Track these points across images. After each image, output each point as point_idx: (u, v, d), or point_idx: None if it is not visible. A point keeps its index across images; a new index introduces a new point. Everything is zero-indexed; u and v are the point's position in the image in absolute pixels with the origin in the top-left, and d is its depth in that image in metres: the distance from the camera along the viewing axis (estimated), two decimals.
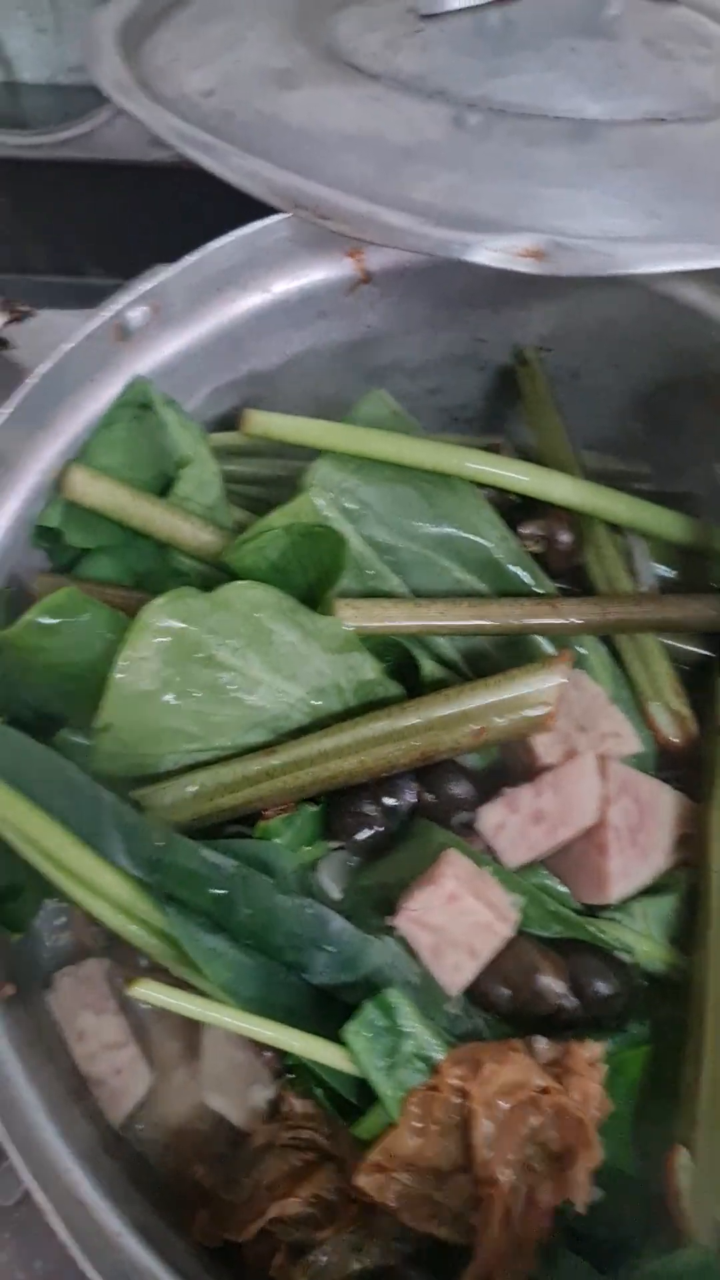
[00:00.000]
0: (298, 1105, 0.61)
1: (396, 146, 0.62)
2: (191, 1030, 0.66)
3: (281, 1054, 0.61)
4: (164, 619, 0.59)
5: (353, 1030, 0.55)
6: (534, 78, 0.65)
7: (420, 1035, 0.56)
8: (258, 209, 0.63)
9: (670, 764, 0.70)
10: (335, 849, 0.65)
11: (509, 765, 0.68)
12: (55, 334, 0.60)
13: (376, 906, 0.62)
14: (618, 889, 0.63)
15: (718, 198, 0.60)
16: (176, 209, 0.93)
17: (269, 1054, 0.63)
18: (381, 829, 0.65)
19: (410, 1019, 0.56)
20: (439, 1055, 0.56)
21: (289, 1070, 0.62)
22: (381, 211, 0.59)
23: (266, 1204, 0.59)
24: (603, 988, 0.61)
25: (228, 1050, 0.64)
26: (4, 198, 1.05)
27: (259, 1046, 0.63)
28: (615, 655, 0.71)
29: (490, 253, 0.56)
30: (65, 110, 1.08)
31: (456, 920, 0.59)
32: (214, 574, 0.67)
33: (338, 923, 0.58)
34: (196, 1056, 0.66)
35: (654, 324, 0.71)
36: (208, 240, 0.65)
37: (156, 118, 0.66)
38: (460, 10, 0.67)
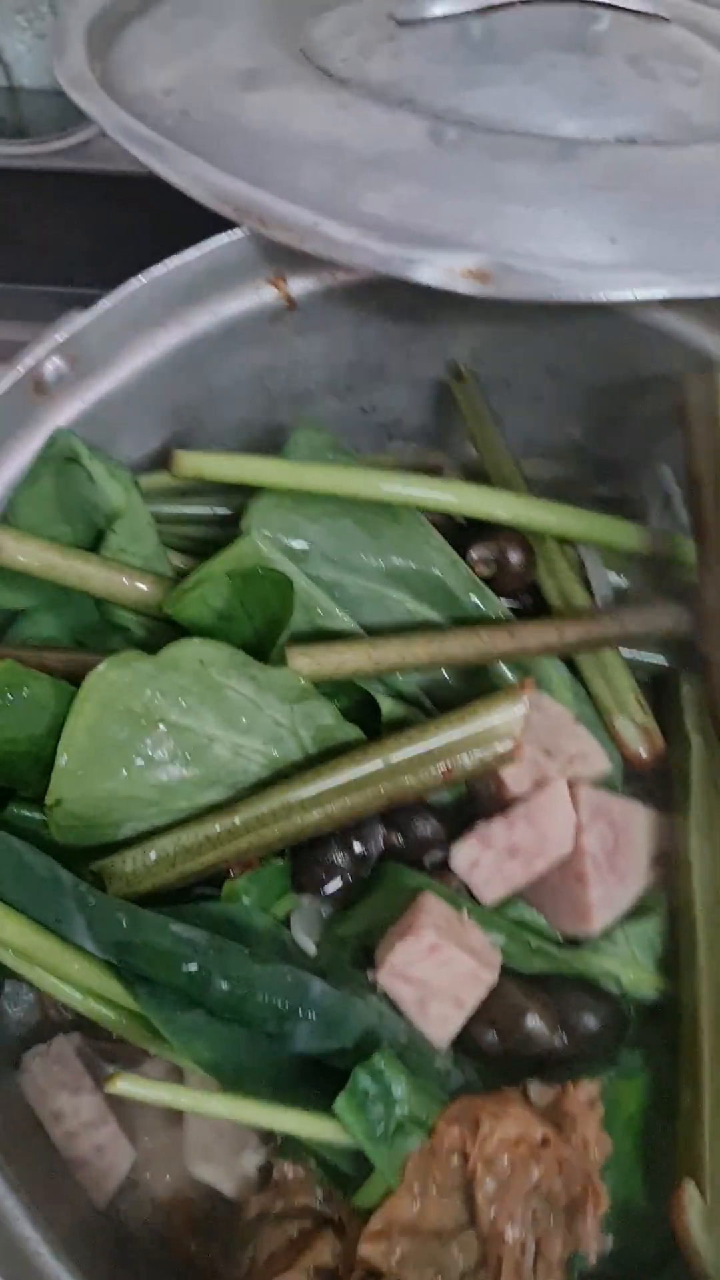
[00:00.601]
0: (290, 1171, 0.59)
1: (355, 155, 0.60)
2: None
3: None
4: (110, 686, 0.57)
5: (343, 1104, 0.53)
6: (509, 91, 0.63)
7: (413, 1098, 0.54)
8: None
9: (637, 778, 0.69)
10: (306, 902, 0.63)
11: (477, 795, 0.66)
12: None
13: (355, 959, 0.61)
14: (600, 919, 0.61)
15: (681, 225, 0.58)
16: (173, 220, 0.90)
17: None
18: (352, 877, 0.63)
19: (401, 1083, 0.54)
20: (434, 1116, 0.54)
21: (277, 1136, 0.60)
22: (326, 223, 0.56)
23: (266, 1278, 0.57)
24: (591, 1022, 0.60)
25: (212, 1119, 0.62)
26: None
27: None
28: (575, 670, 0.69)
29: (433, 271, 0.54)
30: (64, 116, 1.08)
31: (439, 971, 0.57)
32: (157, 626, 0.64)
33: (317, 987, 0.55)
34: (179, 1125, 0.63)
35: (587, 328, 0.69)
36: None
37: (107, 114, 0.63)
38: (441, 18, 0.64)
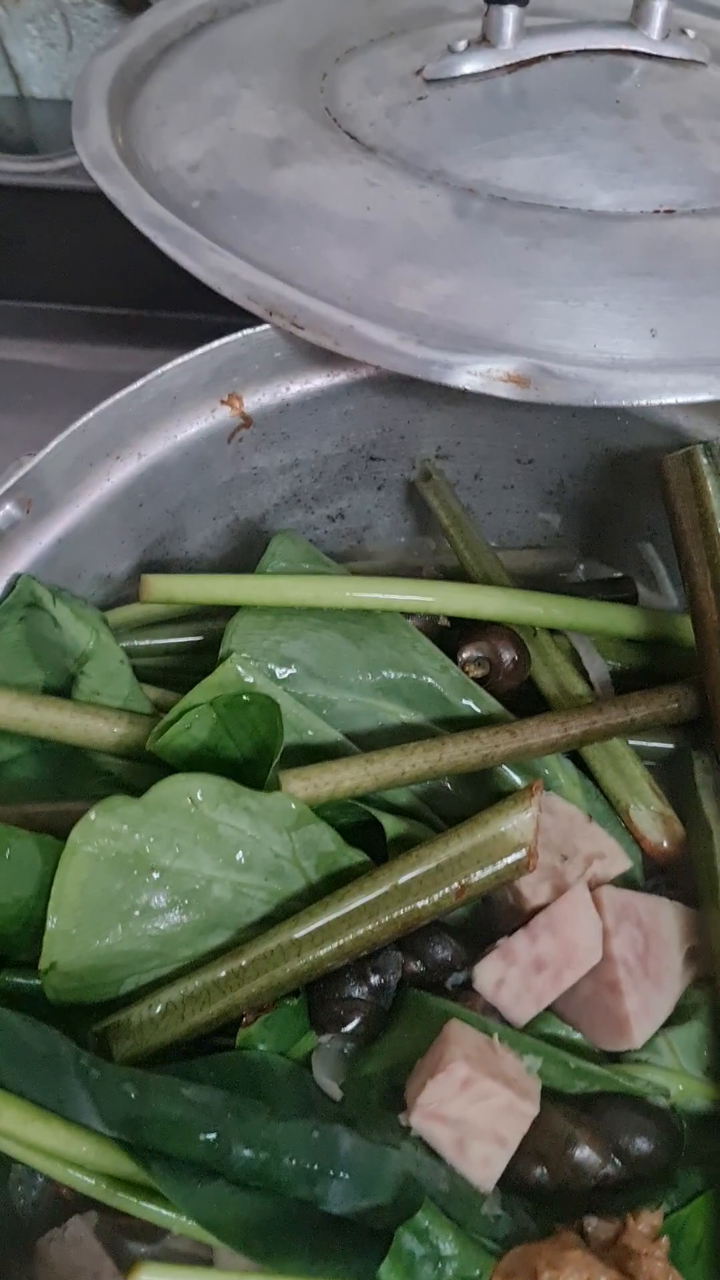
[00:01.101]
0: None
1: (388, 241, 0.59)
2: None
3: None
4: (98, 836, 0.54)
5: (389, 1269, 0.48)
6: (542, 161, 0.62)
7: (463, 1254, 0.50)
8: None
9: (658, 871, 0.66)
10: (326, 1041, 0.59)
11: (495, 908, 0.63)
12: None
13: (384, 1099, 0.57)
14: (640, 1030, 0.58)
15: None
16: None
17: None
18: (372, 1010, 0.59)
19: (449, 1240, 0.49)
20: (487, 1271, 0.50)
21: None
22: (362, 324, 0.55)
23: None
24: (644, 1144, 0.56)
25: None
26: (9, 225, 1.02)
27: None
28: (580, 765, 0.66)
29: (471, 377, 0.53)
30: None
31: (476, 1107, 0.53)
32: (140, 765, 0.61)
33: (347, 1142, 0.51)
34: None
35: (556, 416, 0.68)
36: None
37: (133, 201, 0.62)
38: (470, 76, 0.64)
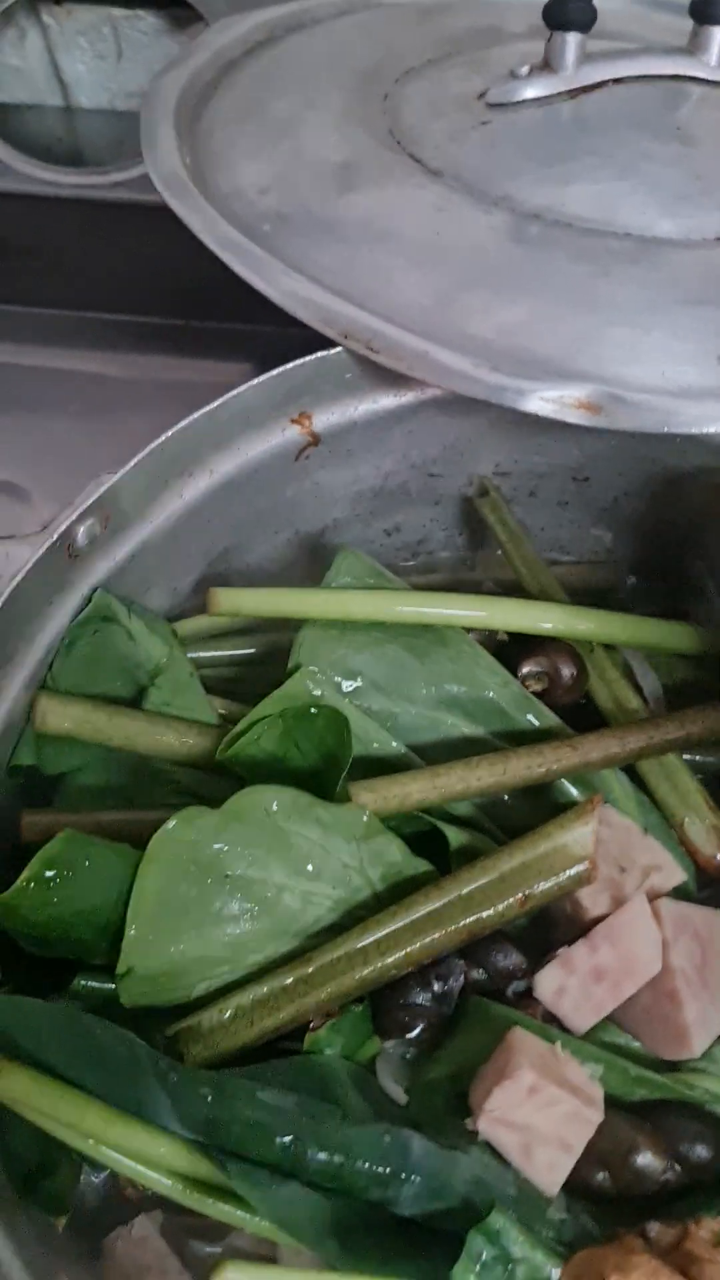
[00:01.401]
0: None
1: (457, 269, 0.60)
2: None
3: None
4: (175, 846, 0.55)
5: (462, 1271, 0.50)
6: (605, 188, 0.63)
7: (533, 1257, 0.51)
8: None
9: (712, 882, 0.67)
10: (391, 1046, 0.60)
11: (554, 918, 0.64)
12: (8, 563, 0.56)
13: (449, 1105, 0.58)
14: (699, 1041, 0.59)
15: None
16: None
17: None
18: (435, 1017, 0.60)
19: (519, 1242, 0.51)
20: (555, 1273, 0.51)
21: None
22: (437, 350, 0.56)
23: None
24: (704, 1152, 0.57)
25: None
26: (62, 236, 1.03)
27: None
28: (634, 778, 0.68)
29: (544, 403, 0.54)
30: (119, 137, 1.08)
31: (542, 1114, 0.54)
32: (206, 775, 0.63)
33: (418, 1146, 0.53)
34: None
35: (615, 435, 0.68)
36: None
37: (208, 225, 0.64)
38: (532, 100, 0.65)
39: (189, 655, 0.66)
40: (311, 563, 0.69)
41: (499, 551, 0.76)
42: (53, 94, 1.12)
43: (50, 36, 1.07)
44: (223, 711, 0.65)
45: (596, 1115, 0.55)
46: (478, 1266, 0.50)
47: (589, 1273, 0.51)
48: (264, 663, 0.68)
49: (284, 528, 0.72)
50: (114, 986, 0.57)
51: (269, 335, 0.69)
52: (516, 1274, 0.51)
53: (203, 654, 0.68)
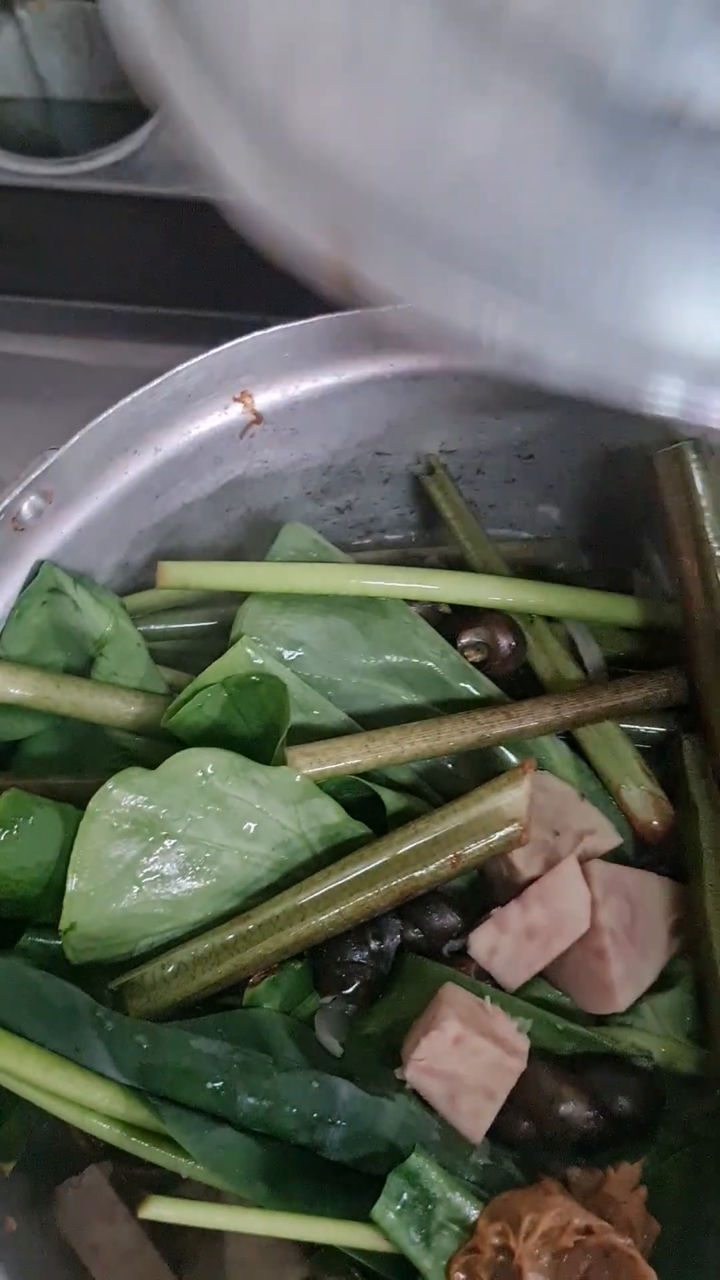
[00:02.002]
0: None
1: None
2: None
3: None
4: (115, 805, 0.57)
5: (381, 1209, 0.52)
6: None
7: (452, 1198, 0.53)
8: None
9: (649, 849, 0.69)
10: (329, 1002, 0.63)
11: (490, 880, 0.66)
12: None
13: (382, 1056, 0.60)
14: (624, 995, 0.61)
15: None
16: (202, 239, 0.93)
17: None
18: (372, 974, 0.62)
19: (439, 1183, 0.53)
20: (474, 1214, 0.53)
21: (319, 1247, 0.58)
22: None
23: None
24: (626, 1102, 0.59)
25: (251, 1235, 0.61)
26: (35, 226, 1.05)
27: None
28: (574, 747, 0.70)
29: None
30: (96, 128, 1.08)
31: (467, 1063, 0.57)
32: (154, 743, 0.65)
33: (345, 1091, 0.55)
34: (220, 1247, 0.62)
35: (554, 413, 0.71)
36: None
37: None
38: None
39: (141, 629, 0.68)
40: (264, 542, 0.70)
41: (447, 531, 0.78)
42: (28, 86, 1.15)
43: (25, 29, 1.09)
44: (172, 681, 0.67)
45: (519, 1064, 0.57)
46: (398, 1205, 0.52)
47: (507, 1213, 0.53)
48: (213, 636, 0.70)
49: (235, 506, 0.74)
50: (59, 944, 0.59)
51: (236, 323, 0.69)
52: (436, 1214, 0.53)
53: (154, 627, 0.70)
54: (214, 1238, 0.62)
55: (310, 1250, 0.59)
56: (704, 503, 0.64)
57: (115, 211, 1.00)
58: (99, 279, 1.05)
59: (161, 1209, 0.51)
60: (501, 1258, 0.53)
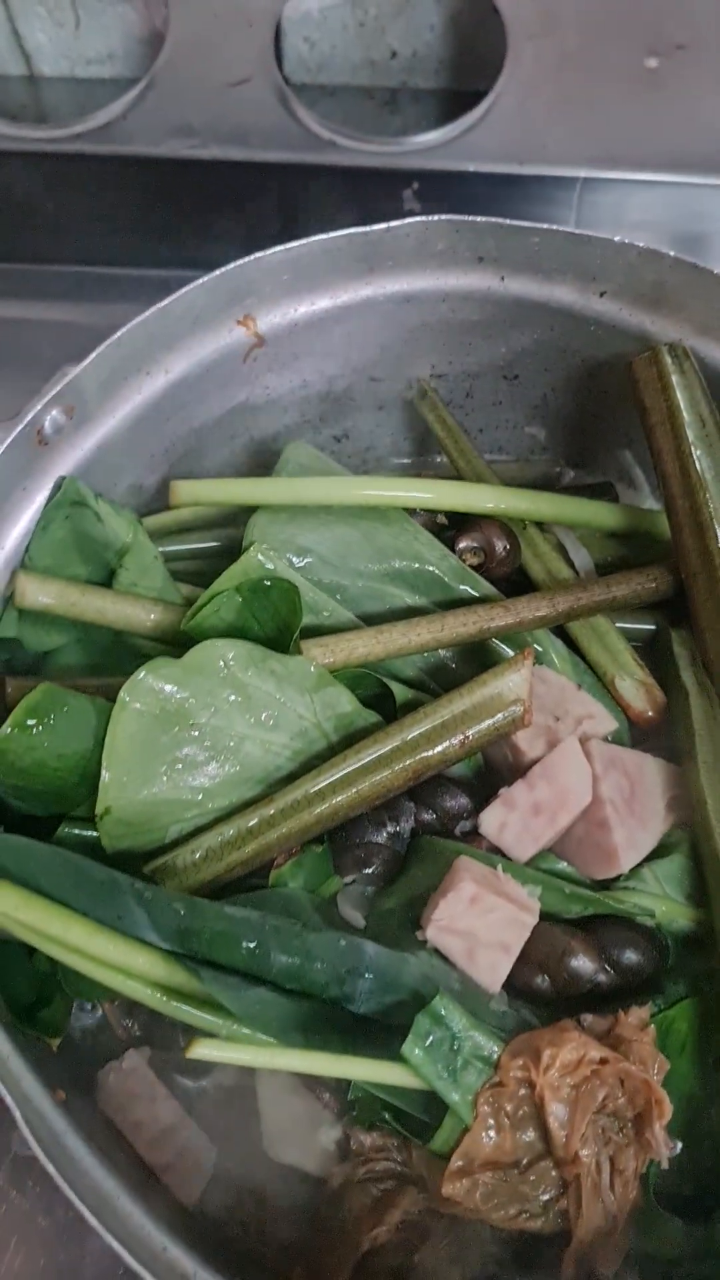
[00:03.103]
0: (366, 1139, 0.62)
1: None
2: (244, 1095, 0.67)
3: (341, 1092, 0.62)
4: (145, 693, 0.61)
5: (410, 1046, 0.56)
6: None
7: (475, 1036, 0.57)
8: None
9: (644, 738, 0.73)
10: (350, 882, 0.66)
11: (496, 765, 0.70)
12: None
13: (403, 926, 0.64)
14: (626, 859, 0.65)
15: None
16: (190, 200, 0.99)
17: (327, 1096, 0.64)
18: (389, 855, 0.66)
19: (462, 1023, 0.57)
20: (497, 1051, 0.57)
21: (351, 1106, 0.62)
22: None
23: (358, 1239, 0.59)
24: (633, 956, 0.63)
25: (285, 1103, 0.65)
26: (23, 191, 1.07)
27: (316, 1091, 0.64)
28: (570, 645, 0.73)
29: None
30: (84, 103, 1.11)
31: (483, 920, 0.60)
32: (175, 651, 0.68)
33: (371, 948, 0.59)
34: (255, 1118, 0.66)
35: (537, 331, 0.75)
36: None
37: None
38: None
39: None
40: (267, 468, 0.74)
41: (440, 457, 0.82)
42: (16, 63, 1.18)
43: (10, 6, 1.12)
44: (187, 595, 0.71)
45: (531, 918, 0.61)
46: (425, 1043, 0.56)
47: (527, 1049, 0.57)
48: (224, 556, 0.74)
49: (239, 433, 0.78)
50: (95, 834, 0.63)
51: None
52: (461, 1051, 0.57)
53: (169, 548, 0.74)
54: (250, 1111, 0.66)
55: (342, 1111, 0.63)
56: (681, 401, 0.68)
57: (101, 174, 1.04)
58: (92, 243, 1.08)
59: (208, 1050, 0.55)
60: (524, 1091, 0.57)
